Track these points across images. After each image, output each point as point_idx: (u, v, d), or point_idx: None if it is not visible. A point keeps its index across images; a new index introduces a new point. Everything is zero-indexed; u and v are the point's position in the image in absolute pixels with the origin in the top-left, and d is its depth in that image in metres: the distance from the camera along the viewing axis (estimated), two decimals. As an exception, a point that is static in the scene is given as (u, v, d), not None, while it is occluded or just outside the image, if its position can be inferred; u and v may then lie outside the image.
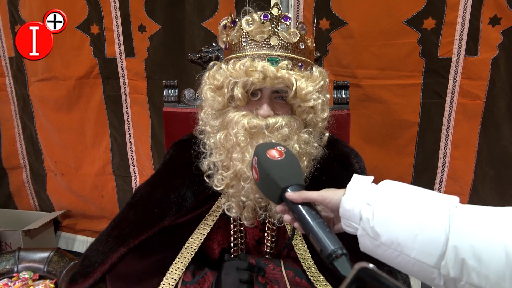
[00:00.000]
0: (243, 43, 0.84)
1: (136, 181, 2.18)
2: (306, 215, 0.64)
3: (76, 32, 1.95)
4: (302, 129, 0.88)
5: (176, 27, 1.83)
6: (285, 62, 0.82)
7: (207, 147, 0.93)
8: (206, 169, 0.92)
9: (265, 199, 0.87)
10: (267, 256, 0.97)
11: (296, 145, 0.85)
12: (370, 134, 1.73)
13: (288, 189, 0.68)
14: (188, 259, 0.90)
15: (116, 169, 2.18)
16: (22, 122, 2.26)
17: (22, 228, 2.04)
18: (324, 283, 0.85)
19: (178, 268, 0.89)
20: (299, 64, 0.85)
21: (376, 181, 0.65)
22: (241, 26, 0.85)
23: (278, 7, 0.83)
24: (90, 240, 2.28)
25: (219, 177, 0.90)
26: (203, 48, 1.26)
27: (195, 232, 0.93)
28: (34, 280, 1.38)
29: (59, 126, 2.16)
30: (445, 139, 1.69)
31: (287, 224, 0.93)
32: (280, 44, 0.83)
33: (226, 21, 0.88)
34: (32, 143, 2.28)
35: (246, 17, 0.85)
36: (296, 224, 0.68)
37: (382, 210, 0.59)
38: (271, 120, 0.84)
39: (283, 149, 0.72)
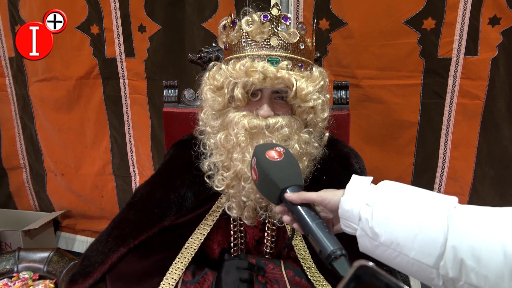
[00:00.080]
0: (243, 44, 0.85)
1: (136, 181, 2.18)
2: (305, 216, 0.64)
3: (76, 33, 1.96)
4: (302, 129, 0.89)
5: (176, 28, 1.83)
6: (285, 62, 0.82)
7: (207, 147, 0.93)
8: (207, 169, 0.92)
9: (266, 200, 0.87)
10: (267, 256, 0.97)
11: (296, 145, 0.85)
12: (370, 134, 1.73)
13: (287, 190, 0.68)
14: (188, 259, 0.90)
15: (116, 169, 2.18)
16: (22, 122, 2.26)
17: (22, 228, 2.04)
18: (324, 283, 0.86)
19: (178, 268, 0.89)
20: (299, 64, 0.85)
21: (376, 181, 0.65)
22: (241, 26, 0.85)
23: (277, 7, 0.83)
24: (90, 240, 2.28)
25: (219, 178, 0.90)
26: (203, 49, 1.26)
27: (195, 232, 0.93)
28: (34, 280, 1.38)
29: (59, 126, 2.16)
30: (445, 139, 1.69)
31: (287, 224, 0.93)
32: (280, 44, 0.83)
33: (226, 21, 0.88)
34: (32, 143, 2.28)
35: (246, 18, 0.85)
36: (295, 225, 0.68)
37: (381, 210, 0.59)
38: (272, 121, 0.84)
39: (282, 149, 0.72)
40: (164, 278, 0.87)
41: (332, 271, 0.57)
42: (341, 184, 0.67)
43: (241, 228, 0.97)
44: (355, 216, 0.61)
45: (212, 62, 0.94)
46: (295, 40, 0.84)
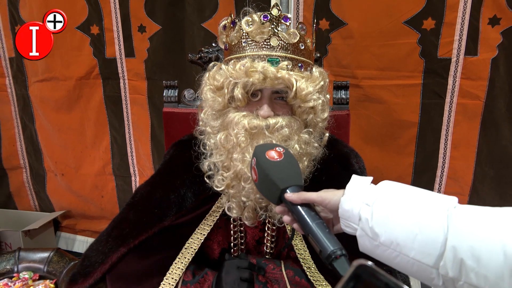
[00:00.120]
0: (243, 44, 0.85)
1: (136, 182, 2.18)
2: (305, 216, 0.64)
3: (76, 33, 1.96)
4: (302, 130, 0.89)
5: (176, 28, 1.83)
6: (285, 62, 0.82)
7: (207, 147, 0.93)
8: (207, 169, 0.92)
9: (266, 200, 0.87)
10: (267, 256, 0.97)
11: (296, 146, 0.86)
12: (370, 134, 1.73)
13: (287, 190, 0.68)
14: (188, 259, 0.90)
15: (116, 169, 2.18)
16: (22, 122, 2.26)
17: (22, 229, 2.04)
18: (324, 283, 0.86)
19: (178, 268, 0.89)
20: (299, 65, 0.85)
21: (376, 181, 0.65)
22: (241, 26, 0.85)
23: (278, 7, 0.83)
24: (90, 240, 2.28)
25: (219, 178, 0.90)
26: (203, 49, 1.26)
27: (195, 232, 0.93)
28: (34, 280, 1.38)
29: (59, 126, 2.16)
30: (445, 139, 1.69)
31: (287, 225, 0.93)
32: (280, 44, 0.83)
33: (226, 21, 0.88)
34: (32, 144, 2.28)
35: (246, 18, 0.85)
36: (295, 225, 0.69)
37: (381, 210, 0.59)
38: (272, 121, 0.84)
39: (282, 150, 0.72)
40: (164, 278, 0.87)
41: (332, 271, 0.57)
42: (341, 184, 0.67)
43: (241, 228, 0.97)
44: (355, 216, 0.61)
45: (212, 62, 0.94)
46: (295, 41, 0.84)
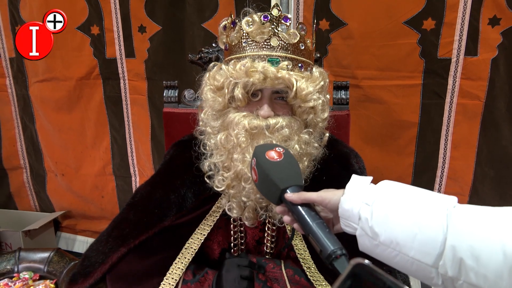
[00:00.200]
0: (243, 44, 0.85)
1: (136, 182, 2.18)
2: (306, 216, 0.64)
3: (76, 33, 1.96)
4: (302, 130, 0.89)
5: (176, 28, 1.83)
6: (285, 62, 0.82)
7: (207, 147, 0.93)
8: (207, 170, 0.92)
9: (266, 200, 0.87)
10: (267, 256, 0.97)
11: (296, 146, 0.86)
12: (370, 134, 1.73)
13: (288, 190, 0.68)
14: (189, 259, 0.90)
15: (116, 169, 2.18)
16: (23, 122, 2.26)
17: (23, 229, 2.04)
18: (324, 283, 0.86)
19: (179, 268, 0.89)
20: (299, 65, 0.85)
21: (376, 182, 0.66)
22: (241, 27, 0.85)
23: (278, 8, 0.83)
24: (90, 240, 2.28)
25: (220, 178, 0.90)
26: (203, 49, 1.26)
27: (195, 232, 0.93)
28: (34, 280, 1.38)
29: (60, 126, 2.16)
30: (445, 140, 1.69)
31: (287, 225, 0.93)
32: (280, 44, 0.83)
33: (226, 22, 0.89)
34: (32, 144, 2.29)
35: (246, 18, 0.85)
36: (295, 225, 0.69)
37: (380, 210, 0.59)
38: (272, 121, 0.84)
39: (282, 150, 0.73)
40: (164, 278, 0.87)
41: (332, 271, 0.57)
42: (341, 184, 0.67)
43: (241, 229, 0.97)
44: (355, 216, 0.61)
45: (213, 63, 0.94)
46: (295, 41, 0.84)
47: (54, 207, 2.37)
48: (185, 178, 0.96)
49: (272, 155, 0.71)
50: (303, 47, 0.85)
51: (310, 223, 0.63)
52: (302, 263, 0.90)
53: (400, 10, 1.55)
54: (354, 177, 0.66)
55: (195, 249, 0.91)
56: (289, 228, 0.93)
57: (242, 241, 0.98)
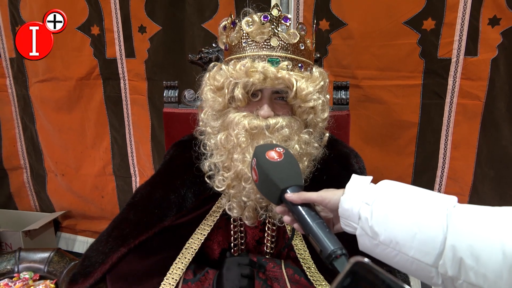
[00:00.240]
0: (243, 44, 0.85)
1: (136, 182, 2.18)
2: (306, 216, 0.64)
3: (76, 33, 1.96)
4: (302, 130, 0.89)
5: (176, 28, 1.83)
6: (285, 62, 0.82)
7: (207, 148, 0.93)
8: (207, 170, 0.92)
9: (266, 200, 0.87)
10: (267, 256, 0.97)
11: (296, 146, 0.86)
12: (370, 134, 1.73)
13: (288, 190, 0.68)
14: (189, 259, 0.90)
15: (116, 169, 2.18)
16: (23, 122, 2.26)
17: (23, 229, 2.04)
18: (324, 283, 0.86)
19: (179, 268, 0.89)
20: (299, 65, 0.85)
21: (376, 182, 0.66)
22: (241, 27, 0.85)
23: (278, 8, 0.83)
24: (90, 240, 2.28)
25: (220, 178, 0.90)
26: (203, 49, 1.26)
27: (195, 232, 0.93)
28: (34, 280, 1.39)
29: (60, 126, 2.16)
30: (445, 140, 1.69)
31: (287, 225, 0.93)
32: (280, 45, 0.83)
33: (226, 22, 0.89)
34: (32, 144, 2.29)
35: (246, 18, 0.85)
36: (296, 225, 0.69)
37: (380, 209, 0.59)
38: (272, 121, 0.84)
39: (282, 150, 0.73)
40: (164, 278, 0.87)
41: (332, 271, 0.57)
42: (341, 184, 0.68)
43: (241, 229, 0.97)
44: (355, 215, 0.61)
45: (213, 63, 0.94)
46: (295, 41, 0.84)
47: (54, 207, 2.37)
48: (185, 178, 0.96)
49: (272, 155, 0.71)
50: (303, 47, 0.85)
51: (310, 223, 0.63)
52: (302, 263, 0.90)
53: (400, 10, 1.55)
54: (354, 176, 0.66)
55: (195, 249, 0.91)
56: (289, 228, 0.93)
57: (242, 241, 0.98)
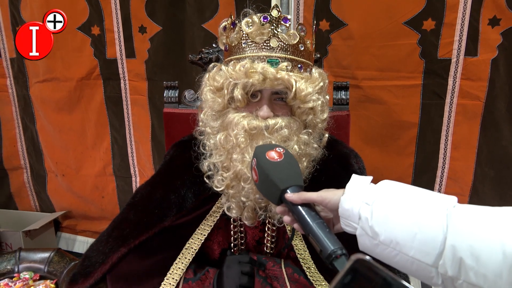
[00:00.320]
0: (243, 45, 0.85)
1: (137, 182, 2.18)
2: (306, 216, 0.65)
3: (77, 33, 1.96)
4: (301, 130, 0.89)
5: (177, 28, 1.84)
6: (285, 63, 0.83)
7: (207, 148, 0.93)
8: (206, 170, 0.93)
9: (265, 200, 0.87)
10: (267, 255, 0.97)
11: (295, 146, 0.86)
12: (370, 135, 1.73)
13: (288, 190, 0.68)
14: (189, 259, 0.90)
15: (116, 170, 2.19)
16: (23, 123, 2.26)
17: (23, 229, 2.04)
18: (323, 283, 0.86)
19: (179, 268, 0.89)
20: (299, 66, 0.85)
21: (376, 182, 0.66)
22: (241, 27, 0.85)
23: (277, 9, 0.83)
24: (91, 241, 2.28)
25: (219, 178, 0.90)
26: (203, 49, 1.26)
27: (195, 232, 0.93)
28: (34, 280, 1.39)
29: (60, 127, 2.16)
30: (445, 140, 1.70)
31: (287, 225, 0.93)
32: (279, 45, 0.83)
33: (226, 22, 0.89)
34: (33, 144, 2.29)
35: (246, 19, 0.85)
36: (296, 225, 0.69)
37: (380, 209, 0.59)
38: (271, 121, 0.84)
39: (282, 150, 0.73)
40: (165, 278, 0.87)
41: (331, 271, 0.57)
42: (340, 184, 0.68)
43: (241, 229, 0.98)
44: (355, 215, 0.61)
45: (212, 63, 0.94)
46: (295, 42, 0.84)
47: (55, 207, 2.37)
48: (185, 178, 0.97)
49: (272, 155, 0.71)
50: (302, 48, 0.85)
51: (310, 223, 0.63)
52: (302, 263, 0.90)
53: (400, 11, 1.55)
54: (354, 176, 0.67)
55: (195, 249, 0.92)
56: (289, 228, 0.93)
57: (242, 241, 0.98)
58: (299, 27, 0.85)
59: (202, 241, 0.93)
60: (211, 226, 0.94)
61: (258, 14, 0.85)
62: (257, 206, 0.89)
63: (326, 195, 0.66)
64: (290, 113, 0.88)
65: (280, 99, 0.87)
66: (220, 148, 0.89)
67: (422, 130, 1.69)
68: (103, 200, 2.25)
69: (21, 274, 1.40)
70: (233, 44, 0.87)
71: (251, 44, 0.84)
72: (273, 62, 0.82)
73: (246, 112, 0.86)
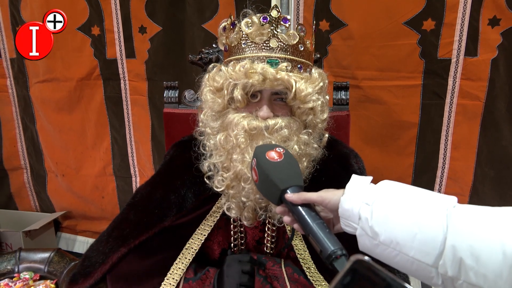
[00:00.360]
0: (243, 45, 0.85)
1: (137, 182, 2.19)
2: (306, 216, 0.65)
3: (77, 34, 1.96)
4: (301, 130, 0.89)
5: (177, 29, 1.84)
6: (285, 64, 0.83)
7: (207, 148, 0.93)
8: (206, 170, 0.93)
9: (265, 200, 0.87)
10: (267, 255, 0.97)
11: (295, 146, 0.86)
12: (370, 135, 1.73)
13: (288, 191, 0.68)
14: (189, 259, 0.91)
15: (116, 170, 2.19)
16: (23, 123, 2.26)
17: (23, 229, 2.04)
18: (323, 283, 0.86)
19: (179, 268, 0.89)
20: (299, 66, 0.85)
21: (376, 182, 0.66)
22: (240, 28, 0.85)
23: (277, 9, 0.83)
24: (91, 241, 2.28)
25: (219, 178, 0.90)
26: (203, 50, 1.26)
27: (195, 233, 0.93)
28: (35, 281, 1.39)
29: (60, 127, 2.16)
30: (445, 140, 1.70)
31: (287, 225, 0.93)
32: (279, 46, 0.83)
33: (226, 23, 0.89)
34: (33, 144, 2.29)
35: (246, 19, 0.86)
36: (296, 225, 0.69)
37: (380, 209, 0.59)
38: (271, 122, 0.84)
39: (282, 150, 0.73)
40: (165, 278, 0.87)
41: (331, 271, 0.57)
42: (340, 184, 0.68)
43: (241, 229, 0.98)
44: (355, 216, 0.61)
45: (212, 64, 0.94)
46: (295, 42, 0.84)
47: (55, 207, 2.37)
48: (185, 179, 0.97)
49: (273, 155, 0.71)
50: (302, 48, 0.86)
51: (310, 223, 0.63)
52: (302, 263, 0.90)
53: (400, 11, 1.55)
54: (354, 177, 0.67)
55: (195, 250, 0.92)
56: (289, 229, 0.93)
57: (242, 242, 0.98)
58: (299, 27, 0.85)
59: (202, 241, 0.93)
60: (211, 226, 0.94)
61: (258, 15, 0.85)
62: (257, 206, 0.89)
63: (326, 195, 0.66)
64: (290, 113, 0.88)
65: (280, 100, 0.87)
66: (220, 149, 0.89)
67: (422, 130, 1.69)
68: (103, 200, 2.25)
69: (21, 274, 1.40)
70: (232, 45, 0.87)
71: (251, 45, 0.84)
72: (272, 63, 0.82)
73: (246, 113, 0.86)
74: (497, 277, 0.48)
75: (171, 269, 0.89)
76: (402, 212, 0.58)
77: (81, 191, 2.26)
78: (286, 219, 0.70)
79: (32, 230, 2.06)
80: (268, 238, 0.96)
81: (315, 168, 0.91)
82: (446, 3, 1.51)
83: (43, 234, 2.17)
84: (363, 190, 0.63)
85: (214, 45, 1.27)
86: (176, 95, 1.33)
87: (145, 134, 2.06)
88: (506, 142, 1.61)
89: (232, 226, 0.97)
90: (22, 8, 2.01)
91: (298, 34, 0.85)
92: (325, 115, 0.91)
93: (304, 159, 0.88)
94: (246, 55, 0.84)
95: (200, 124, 0.95)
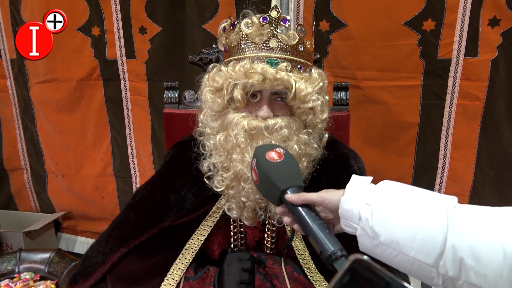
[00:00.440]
0: (243, 46, 0.85)
1: (137, 183, 2.19)
2: (306, 217, 0.65)
3: (77, 34, 1.96)
4: (301, 130, 0.89)
5: (177, 29, 1.84)
6: (284, 64, 0.83)
7: (206, 148, 0.93)
8: (206, 170, 0.93)
9: (265, 200, 0.87)
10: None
11: (295, 146, 0.86)
12: (370, 135, 1.73)
13: (288, 191, 0.68)
14: (189, 260, 0.91)
15: (116, 170, 2.19)
16: (23, 123, 2.26)
17: (23, 230, 2.04)
18: (324, 284, 0.86)
19: (179, 269, 0.89)
20: (298, 66, 0.85)
21: (376, 182, 0.66)
22: (240, 28, 0.85)
23: (277, 9, 0.83)
24: (91, 241, 2.28)
25: (219, 178, 0.90)
26: (203, 50, 1.26)
27: (195, 233, 0.94)
28: (35, 281, 1.38)
29: (60, 127, 2.16)
30: (445, 140, 1.69)
31: (286, 225, 0.93)
32: (279, 46, 0.83)
33: (226, 23, 0.89)
34: (33, 145, 2.29)
35: (246, 20, 0.86)
36: (296, 226, 0.69)
37: (381, 210, 0.59)
38: (271, 122, 0.84)
39: (282, 150, 0.73)
40: (165, 278, 0.87)
41: (331, 271, 0.57)
42: (340, 184, 0.68)
43: (241, 229, 0.98)
44: (355, 216, 0.61)
45: (212, 64, 0.94)
46: (294, 42, 0.84)
47: (55, 208, 2.37)
48: (185, 179, 0.97)
49: (272, 155, 0.71)
50: (302, 49, 0.86)
51: (310, 224, 0.63)
52: (302, 264, 0.90)
53: (400, 11, 1.55)
54: (354, 177, 0.67)
55: (195, 250, 0.92)
56: (289, 229, 0.93)
57: (242, 242, 0.98)
58: (299, 27, 0.85)
59: (202, 241, 0.93)
60: (211, 226, 0.94)
61: (258, 15, 0.85)
62: (257, 207, 0.89)
63: (326, 195, 0.66)
64: (290, 113, 0.88)
65: (280, 99, 0.87)
66: (220, 149, 0.89)
67: (422, 130, 1.69)
68: (103, 200, 2.25)
69: (21, 275, 1.40)
70: (232, 45, 0.87)
71: (251, 45, 0.84)
72: (272, 63, 0.82)
73: (246, 112, 0.86)
74: (497, 277, 0.48)
75: (171, 269, 0.89)
76: (403, 212, 0.58)
77: (81, 191, 2.26)
78: (286, 219, 0.70)
79: (32, 231, 2.06)
80: (268, 239, 0.96)
81: (315, 168, 0.91)
82: (446, 4, 1.51)
83: (43, 235, 2.16)
84: (363, 191, 0.63)
85: (214, 46, 1.27)
86: (176, 95, 1.33)
87: (145, 134, 2.06)
88: (506, 142, 1.61)
89: (232, 226, 0.97)
90: (22, 9, 2.01)
91: (298, 35, 0.85)
92: (325, 115, 0.91)
93: (304, 159, 0.88)
94: (246, 55, 0.84)
95: (200, 124, 0.95)
